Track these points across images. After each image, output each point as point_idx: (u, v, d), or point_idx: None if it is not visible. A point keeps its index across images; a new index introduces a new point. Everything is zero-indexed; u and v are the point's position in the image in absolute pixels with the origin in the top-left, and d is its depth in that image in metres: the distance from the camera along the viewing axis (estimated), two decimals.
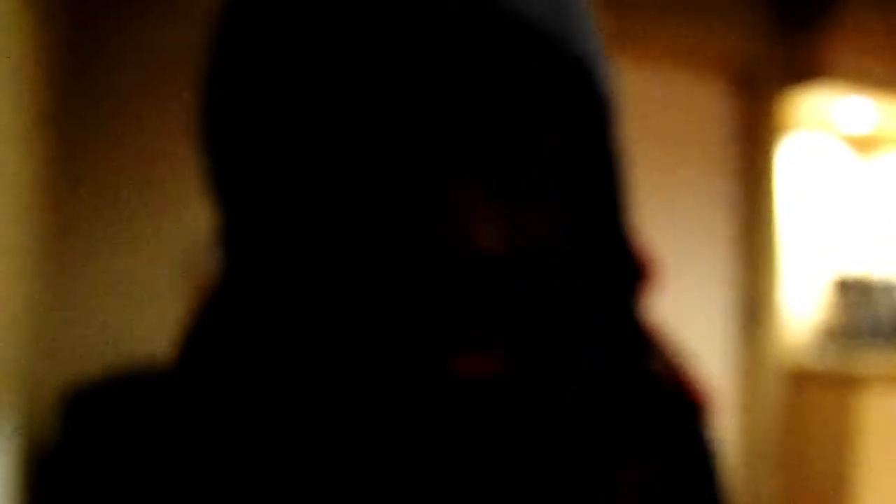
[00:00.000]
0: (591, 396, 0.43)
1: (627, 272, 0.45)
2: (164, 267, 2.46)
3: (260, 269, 0.41)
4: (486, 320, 0.37)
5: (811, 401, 3.40)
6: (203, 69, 0.44)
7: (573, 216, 0.41)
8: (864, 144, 4.10)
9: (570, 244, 0.41)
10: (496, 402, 0.38)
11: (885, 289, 3.76)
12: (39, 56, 2.05)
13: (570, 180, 0.41)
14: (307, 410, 0.39)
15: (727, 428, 3.35)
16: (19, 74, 1.86)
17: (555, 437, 0.42)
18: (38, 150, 2.13)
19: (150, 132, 2.45)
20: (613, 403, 0.44)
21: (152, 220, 2.45)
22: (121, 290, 2.40)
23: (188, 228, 2.48)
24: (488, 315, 0.37)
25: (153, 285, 2.45)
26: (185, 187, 2.46)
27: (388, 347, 0.37)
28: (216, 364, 0.44)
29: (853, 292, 3.67)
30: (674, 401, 0.48)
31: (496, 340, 0.37)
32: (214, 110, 0.43)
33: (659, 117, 3.27)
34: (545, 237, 0.39)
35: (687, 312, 3.10)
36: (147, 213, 2.44)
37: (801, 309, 3.75)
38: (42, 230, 2.24)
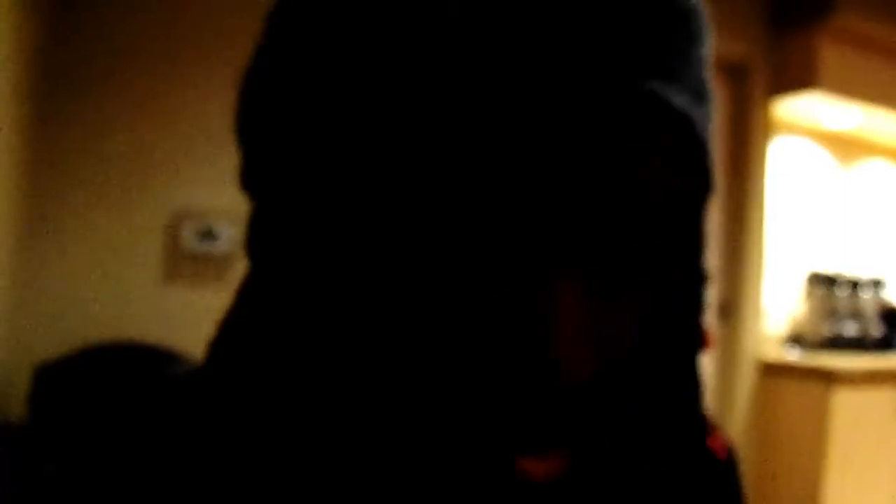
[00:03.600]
0: (658, 486, 0.43)
1: (695, 350, 0.43)
2: (140, 248, 2.45)
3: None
4: (555, 424, 0.36)
5: (784, 394, 3.44)
6: (251, 63, 0.42)
7: (661, 307, 0.39)
8: (848, 150, 4.14)
9: (652, 345, 0.39)
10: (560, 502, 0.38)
11: (861, 287, 3.81)
12: (17, 44, 2.02)
13: (662, 269, 0.39)
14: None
15: None
16: None
17: None
18: (14, 134, 2.10)
19: (129, 118, 2.43)
20: (677, 487, 0.44)
21: (129, 203, 2.43)
22: (95, 274, 2.38)
23: (165, 213, 2.47)
24: (558, 419, 0.36)
25: (130, 261, 2.43)
26: (163, 169, 2.45)
27: (457, 444, 0.36)
28: (245, 368, 0.41)
29: (829, 290, 3.72)
30: (727, 471, 0.50)
31: (562, 442, 0.37)
32: (264, 108, 0.40)
33: None
34: (630, 343, 0.38)
35: None
36: (124, 196, 2.42)
37: (777, 305, 3.79)
38: (16, 213, 2.22)
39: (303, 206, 0.38)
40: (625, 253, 0.36)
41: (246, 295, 0.43)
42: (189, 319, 2.33)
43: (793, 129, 3.88)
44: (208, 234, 2.46)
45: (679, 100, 0.35)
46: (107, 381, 1.96)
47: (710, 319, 3.57)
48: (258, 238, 0.41)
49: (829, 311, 3.72)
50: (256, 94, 0.41)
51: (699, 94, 0.38)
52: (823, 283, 3.73)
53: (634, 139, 0.34)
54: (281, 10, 0.40)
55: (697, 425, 0.45)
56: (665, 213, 0.37)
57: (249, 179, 0.42)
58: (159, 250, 2.46)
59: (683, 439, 0.44)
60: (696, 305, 0.42)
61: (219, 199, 2.40)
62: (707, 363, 3.52)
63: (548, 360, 0.34)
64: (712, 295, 3.59)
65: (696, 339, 0.43)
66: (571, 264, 0.34)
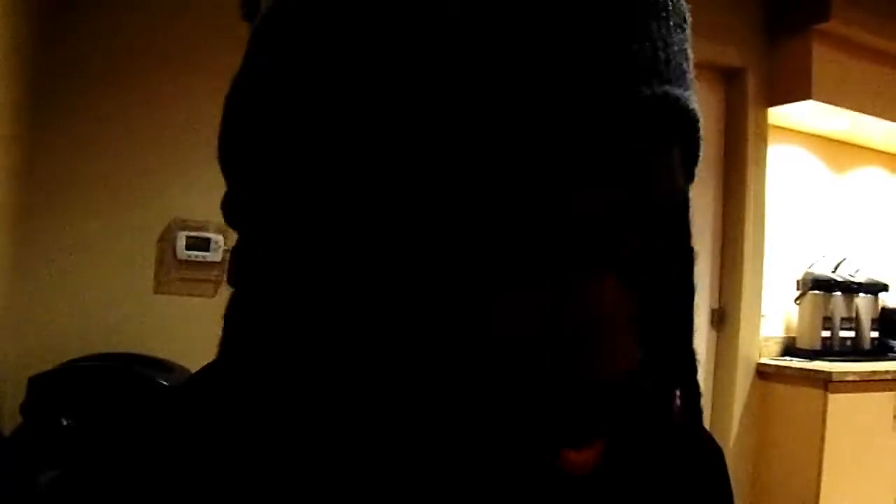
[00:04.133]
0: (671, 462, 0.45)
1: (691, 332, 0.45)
2: (133, 257, 2.44)
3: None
4: (597, 415, 0.36)
5: (781, 399, 3.44)
6: (232, 90, 0.40)
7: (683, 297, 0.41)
8: (841, 157, 4.15)
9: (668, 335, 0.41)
10: (595, 493, 0.38)
11: (856, 292, 3.82)
12: (9, 54, 2.02)
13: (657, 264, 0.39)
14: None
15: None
16: None
17: None
18: (6, 145, 2.10)
19: (122, 127, 2.43)
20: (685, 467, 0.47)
21: (122, 213, 2.42)
22: (88, 284, 2.38)
23: (158, 223, 2.46)
24: (600, 410, 0.36)
25: (123, 271, 2.42)
26: (156, 178, 2.45)
27: (495, 438, 0.35)
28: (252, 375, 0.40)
29: (825, 295, 3.73)
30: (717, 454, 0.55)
31: (601, 434, 0.37)
32: (258, 120, 0.38)
33: None
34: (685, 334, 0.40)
35: None
36: (117, 206, 2.42)
37: (774, 310, 3.80)
38: (11, 214, 2.21)
39: (285, 240, 0.37)
40: (658, 247, 0.37)
41: (235, 322, 0.42)
42: (182, 329, 2.32)
43: (787, 136, 3.89)
44: (201, 244, 2.45)
45: (688, 99, 0.36)
46: (99, 390, 1.96)
47: (705, 322, 3.58)
48: (242, 267, 0.41)
49: (824, 317, 3.73)
50: (238, 122, 0.40)
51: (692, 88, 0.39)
52: (819, 288, 3.74)
53: (656, 140, 0.34)
54: (262, 39, 0.39)
55: (698, 409, 0.46)
56: (677, 208, 0.39)
57: (232, 210, 0.41)
58: (152, 261, 2.46)
59: (692, 425, 0.45)
60: (689, 294, 0.44)
61: (212, 208, 2.38)
62: (704, 368, 3.53)
63: (596, 355, 0.33)
64: (708, 301, 3.59)
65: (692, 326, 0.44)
66: (615, 259, 0.34)
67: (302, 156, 0.35)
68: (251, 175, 0.39)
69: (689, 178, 0.41)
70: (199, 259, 2.45)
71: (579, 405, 0.34)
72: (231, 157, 0.40)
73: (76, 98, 2.37)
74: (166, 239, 2.46)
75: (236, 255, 0.41)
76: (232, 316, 0.42)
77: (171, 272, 2.47)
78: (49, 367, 2.05)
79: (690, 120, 0.36)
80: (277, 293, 0.38)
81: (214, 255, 2.46)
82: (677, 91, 0.35)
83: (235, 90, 0.40)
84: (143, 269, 2.45)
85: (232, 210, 0.41)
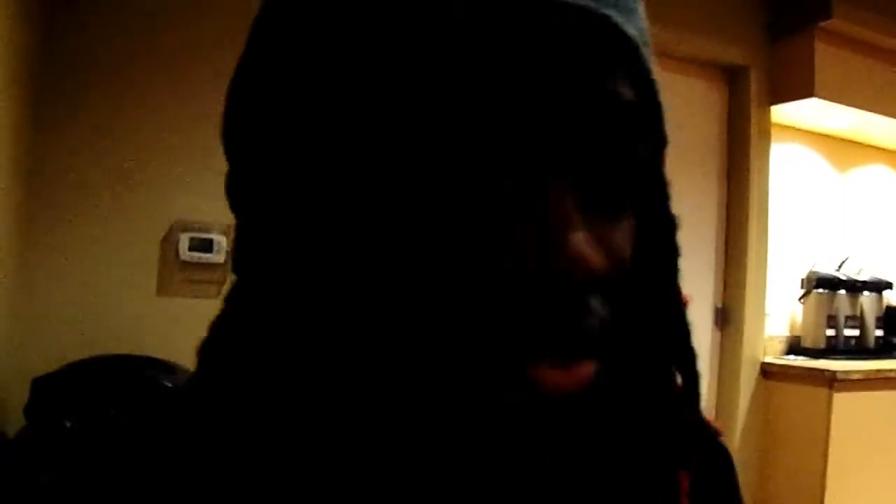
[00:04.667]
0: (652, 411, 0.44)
1: (678, 294, 0.45)
2: (135, 259, 2.44)
3: (296, 284, 0.38)
4: (573, 336, 0.35)
5: (785, 398, 3.44)
6: (235, 77, 0.42)
7: (645, 234, 0.41)
8: (845, 155, 4.15)
9: (645, 263, 0.41)
10: (576, 416, 0.37)
11: (861, 291, 3.82)
12: (10, 57, 2.02)
13: (642, 195, 0.41)
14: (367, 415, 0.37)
15: None
16: None
17: (623, 444, 0.42)
18: (8, 147, 2.10)
19: (124, 129, 2.43)
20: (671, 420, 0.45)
21: (124, 215, 2.42)
22: (91, 286, 2.38)
23: (161, 224, 2.46)
24: (575, 331, 0.35)
25: (126, 273, 2.43)
26: (159, 180, 2.45)
27: (465, 353, 0.35)
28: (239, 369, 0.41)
29: (829, 294, 3.73)
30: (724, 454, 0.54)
31: (582, 355, 0.36)
32: (245, 119, 0.41)
33: None
34: (624, 257, 0.39)
35: None
36: (120, 208, 2.42)
37: (778, 309, 3.80)
38: (14, 217, 2.21)
39: (284, 222, 0.38)
40: (614, 175, 0.37)
41: (233, 303, 0.44)
42: (186, 331, 2.32)
43: (790, 134, 3.89)
44: (204, 246, 2.45)
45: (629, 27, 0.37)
46: (102, 392, 1.96)
47: (709, 322, 3.57)
48: (243, 253, 0.42)
49: (829, 315, 3.72)
50: (240, 108, 0.41)
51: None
52: (823, 286, 3.73)
53: (594, 56, 0.35)
54: (264, 24, 0.40)
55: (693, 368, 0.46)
56: (636, 151, 0.39)
57: (234, 194, 0.43)
58: (155, 262, 2.46)
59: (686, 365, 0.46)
60: (674, 248, 0.44)
61: (215, 209, 2.39)
62: (708, 367, 3.53)
63: (557, 262, 0.34)
64: (712, 300, 3.59)
65: (677, 281, 0.45)
66: (569, 173, 0.35)
67: (295, 139, 0.37)
68: (250, 156, 0.41)
69: (650, 116, 0.40)
70: (203, 261, 2.45)
71: (545, 304, 0.34)
72: (232, 138, 0.42)
73: (78, 100, 2.37)
74: (169, 240, 2.46)
75: (236, 240, 0.43)
76: (229, 298, 0.44)
77: (174, 274, 2.47)
78: (52, 368, 2.05)
79: (614, 35, 0.36)
80: (273, 274, 0.39)
81: (217, 257, 2.46)
82: (602, 10, 0.35)
83: (238, 73, 0.42)
84: (146, 271, 2.45)
85: (233, 191, 0.43)
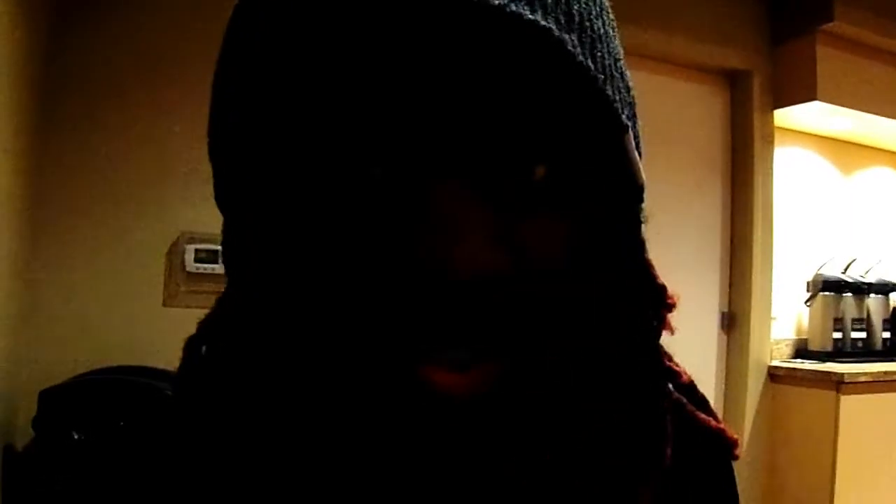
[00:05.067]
0: (599, 417, 0.41)
1: (645, 296, 0.43)
2: (142, 270, 2.45)
3: (255, 280, 0.40)
4: (471, 336, 0.35)
5: (792, 401, 3.44)
6: (214, 81, 0.44)
7: (585, 232, 0.39)
8: (849, 158, 4.15)
9: (579, 262, 0.39)
10: (472, 420, 0.36)
11: (867, 293, 3.81)
12: (15, 66, 2.03)
13: (584, 195, 0.39)
14: (286, 415, 0.38)
15: None
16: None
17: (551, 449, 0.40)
18: (14, 158, 2.11)
19: (130, 139, 2.44)
20: (627, 423, 0.42)
21: (131, 223, 2.43)
22: (98, 298, 2.38)
23: (167, 235, 2.47)
24: (474, 332, 0.35)
25: (132, 285, 2.43)
26: (165, 191, 2.45)
27: (368, 353, 0.35)
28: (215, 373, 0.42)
29: (836, 297, 3.72)
30: (712, 440, 0.50)
31: (483, 358, 0.36)
32: (222, 123, 0.42)
33: (649, 125, 3.28)
34: (548, 254, 0.38)
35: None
36: (126, 219, 2.42)
37: (785, 312, 3.79)
38: (21, 229, 2.22)
39: (251, 221, 0.40)
40: (535, 171, 0.37)
41: (222, 302, 0.45)
42: None
43: (794, 138, 3.89)
44: (210, 257, 2.46)
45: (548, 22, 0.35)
46: (110, 404, 1.97)
47: (716, 325, 3.57)
48: (227, 251, 0.44)
49: (835, 318, 3.72)
50: (220, 110, 0.43)
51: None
52: (830, 289, 3.73)
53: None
54: (239, 22, 0.41)
55: (652, 367, 0.44)
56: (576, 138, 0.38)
57: (219, 195, 0.44)
58: (162, 273, 2.47)
59: (634, 369, 0.43)
60: (636, 237, 0.42)
61: (221, 220, 2.40)
62: (715, 371, 3.52)
63: (438, 260, 0.34)
64: (718, 304, 3.58)
65: (643, 283, 0.43)
66: (461, 172, 0.35)
67: (253, 140, 0.38)
68: (226, 158, 0.42)
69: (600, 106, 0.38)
70: (208, 271, 2.46)
71: (431, 306, 0.34)
72: (212, 143, 0.44)
73: (83, 111, 2.38)
74: (175, 252, 2.47)
75: (223, 239, 0.44)
76: (221, 301, 0.46)
77: (181, 285, 2.47)
78: (60, 380, 2.06)
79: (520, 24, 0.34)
80: (244, 270, 0.41)
81: (223, 268, 2.46)
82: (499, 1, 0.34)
83: (215, 81, 0.44)
84: (153, 282, 2.46)
85: (217, 191, 0.44)
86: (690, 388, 0.48)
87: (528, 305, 0.37)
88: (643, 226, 0.42)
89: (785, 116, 3.68)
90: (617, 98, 0.39)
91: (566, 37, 0.35)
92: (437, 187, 0.35)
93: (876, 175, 4.29)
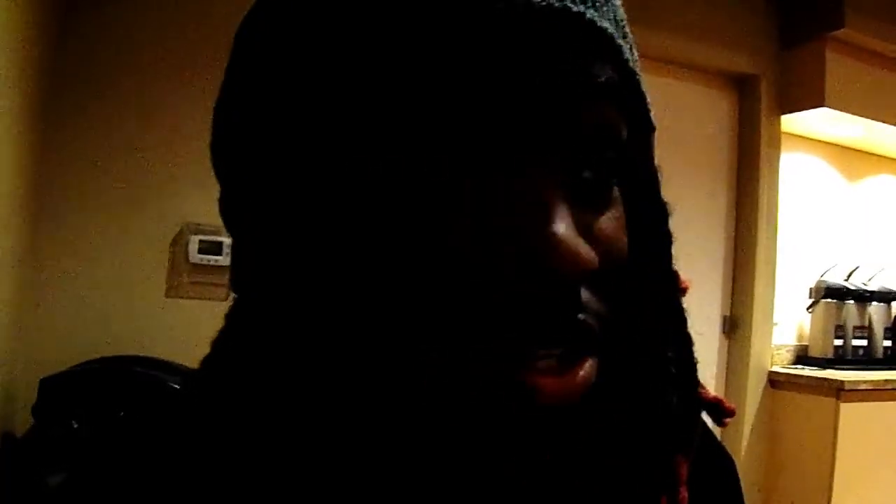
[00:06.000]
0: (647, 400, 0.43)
1: (673, 282, 0.45)
2: (145, 261, 2.45)
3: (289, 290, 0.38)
4: (572, 336, 0.34)
5: (792, 407, 3.44)
6: (218, 100, 0.43)
7: (630, 224, 0.40)
8: (855, 165, 4.14)
9: (633, 255, 0.39)
10: (576, 422, 0.35)
11: (869, 300, 3.81)
12: (19, 60, 2.03)
13: (627, 185, 0.40)
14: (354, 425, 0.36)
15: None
16: (4, 72, 1.83)
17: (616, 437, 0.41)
18: (19, 149, 2.11)
19: (134, 132, 2.44)
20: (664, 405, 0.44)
21: (134, 217, 2.43)
22: (100, 288, 2.39)
23: (170, 227, 2.47)
24: (574, 331, 0.34)
25: (135, 275, 2.44)
26: (168, 182, 2.46)
27: (457, 362, 0.33)
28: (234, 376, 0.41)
29: (837, 303, 3.72)
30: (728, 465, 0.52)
31: (579, 359, 0.35)
32: (230, 133, 0.42)
33: (658, 128, 3.28)
34: (616, 248, 0.37)
35: None
36: (129, 211, 2.43)
37: (786, 319, 3.79)
38: (24, 218, 2.22)
39: (271, 240, 0.38)
40: (597, 160, 0.37)
41: (232, 320, 0.44)
42: (194, 333, 2.33)
43: (800, 143, 3.88)
44: (214, 248, 2.46)
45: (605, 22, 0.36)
46: (110, 393, 1.97)
47: (717, 330, 3.57)
48: (239, 271, 0.42)
49: (837, 325, 3.71)
50: (225, 129, 0.43)
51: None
52: (832, 296, 3.72)
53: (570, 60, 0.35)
54: (239, 50, 0.41)
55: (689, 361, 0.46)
56: (620, 142, 0.38)
57: (227, 214, 0.43)
58: (164, 264, 2.47)
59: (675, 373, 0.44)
60: (666, 240, 0.44)
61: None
62: (716, 376, 3.52)
63: (544, 259, 0.32)
64: (720, 308, 3.58)
65: (671, 268, 0.45)
66: (551, 162, 0.35)
67: (275, 154, 0.37)
68: (237, 177, 0.42)
69: (637, 109, 0.40)
70: (212, 263, 2.46)
71: (535, 306, 0.33)
72: (220, 160, 0.44)
73: (88, 102, 2.39)
74: (179, 243, 2.47)
75: (232, 258, 0.43)
76: (230, 316, 0.44)
77: (184, 276, 2.48)
78: (61, 369, 2.06)
79: (588, 29, 0.35)
80: (268, 290, 0.39)
81: (227, 260, 2.47)
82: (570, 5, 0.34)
83: (221, 95, 0.43)
84: (156, 273, 2.46)
85: (226, 212, 0.43)
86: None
87: (609, 301, 0.37)
88: (670, 218, 0.44)
89: (792, 122, 3.67)
90: (648, 98, 0.40)
91: (621, 43, 0.36)
92: (518, 178, 0.34)
93: (881, 183, 4.28)
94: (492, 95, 0.33)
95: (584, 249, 0.33)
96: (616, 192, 0.39)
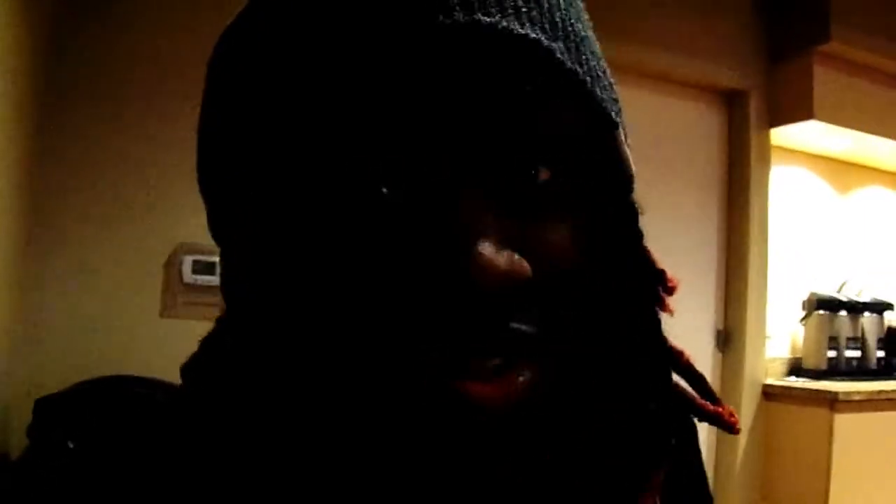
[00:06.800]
0: (616, 408, 0.43)
1: (648, 283, 0.45)
2: (139, 281, 2.45)
3: (262, 298, 0.39)
4: (503, 344, 0.36)
5: (787, 419, 3.43)
6: (203, 101, 0.46)
7: (586, 228, 0.40)
8: (845, 177, 4.16)
9: (588, 261, 0.40)
10: (506, 430, 0.36)
11: (862, 312, 3.82)
12: (15, 76, 2.03)
13: (582, 193, 0.41)
14: (308, 426, 0.38)
15: (704, 444, 3.37)
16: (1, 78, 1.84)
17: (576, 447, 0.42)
18: (14, 166, 2.11)
19: (129, 150, 2.44)
20: (639, 411, 0.44)
21: (129, 233, 2.43)
22: (95, 308, 2.38)
23: (165, 247, 2.47)
24: (505, 339, 0.36)
25: (129, 295, 2.43)
26: (162, 202, 2.46)
27: (394, 367, 0.35)
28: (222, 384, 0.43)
29: (830, 315, 3.73)
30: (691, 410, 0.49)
31: (513, 366, 0.36)
32: (213, 146, 0.44)
33: (647, 143, 3.29)
34: (559, 255, 0.38)
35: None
36: (124, 230, 2.43)
37: (779, 330, 3.79)
38: (18, 238, 2.22)
39: (253, 252, 0.40)
40: (530, 173, 0.38)
41: (220, 325, 0.46)
42: (189, 352, 2.32)
43: (790, 157, 3.90)
44: (208, 269, 2.46)
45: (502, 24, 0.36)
46: (105, 413, 1.96)
47: (710, 343, 3.57)
48: (227, 282, 0.44)
49: (830, 336, 3.72)
50: (206, 148, 0.45)
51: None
52: (824, 308, 3.73)
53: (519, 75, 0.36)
54: (219, 64, 0.44)
55: (661, 354, 0.46)
56: (576, 148, 0.39)
57: (213, 229, 0.46)
58: (159, 284, 2.47)
59: (645, 369, 0.45)
60: (636, 240, 0.44)
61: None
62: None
63: (467, 274, 0.33)
64: (713, 322, 3.59)
65: (644, 272, 0.45)
66: (480, 179, 0.36)
67: (245, 168, 0.39)
68: (222, 189, 0.44)
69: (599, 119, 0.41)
70: (206, 283, 2.46)
71: (460, 315, 0.34)
72: (207, 177, 0.46)
73: (81, 122, 2.39)
74: (173, 263, 2.47)
75: (221, 268, 0.45)
76: (220, 320, 0.47)
77: (178, 296, 2.47)
78: (56, 389, 2.05)
79: (511, 44, 0.36)
80: (248, 299, 0.41)
81: (221, 293, 2.47)
82: (490, 19, 0.35)
83: (201, 118, 0.46)
84: (150, 293, 2.46)
85: (214, 223, 0.46)
86: (689, 369, 0.49)
87: (551, 307, 0.38)
88: (640, 216, 0.44)
89: (781, 135, 3.69)
90: (605, 97, 0.41)
91: (554, 45, 0.37)
92: (451, 198, 0.35)
93: (872, 194, 4.30)
94: (428, 109, 0.35)
95: (507, 262, 0.35)
96: (575, 194, 0.40)
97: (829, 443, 3.19)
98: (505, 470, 0.37)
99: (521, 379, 0.36)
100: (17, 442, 2.07)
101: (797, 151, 3.94)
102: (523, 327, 0.36)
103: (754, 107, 3.58)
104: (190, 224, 2.44)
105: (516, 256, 0.35)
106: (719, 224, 3.63)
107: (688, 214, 3.51)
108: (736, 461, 3.42)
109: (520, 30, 0.35)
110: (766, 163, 3.62)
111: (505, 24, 0.35)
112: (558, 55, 0.37)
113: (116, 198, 2.42)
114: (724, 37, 3.49)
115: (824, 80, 3.47)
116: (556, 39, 0.38)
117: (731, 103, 3.66)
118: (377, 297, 0.35)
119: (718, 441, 3.48)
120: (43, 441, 1.94)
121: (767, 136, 3.63)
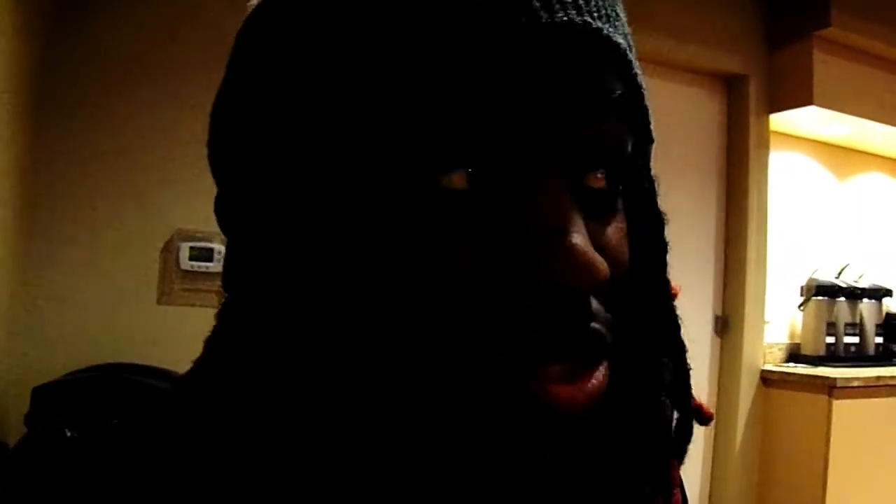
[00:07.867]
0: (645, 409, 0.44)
1: (668, 285, 0.46)
2: (136, 268, 2.44)
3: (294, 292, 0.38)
4: (580, 347, 0.35)
5: (785, 405, 3.44)
6: (217, 99, 0.43)
7: (633, 231, 0.41)
8: (844, 163, 4.16)
9: (634, 263, 0.40)
10: (589, 427, 0.35)
11: (860, 298, 3.82)
12: (11, 68, 2.02)
13: (625, 201, 0.41)
14: (360, 434, 0.36)
15: (704, 431, 3.39)
16: None
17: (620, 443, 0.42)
18: (10, 155, 2.10)
19: (125, 138, 2.43)
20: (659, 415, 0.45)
21: (126, 220, 2.43)
22: (94, 287, 2.38)
23: (161, 234, 2.46)
24: (582, 342, 0.35)
25: (126, 282, 2.43)
26: (159, 189, 2.45)
27: (467, 370, 0.33)
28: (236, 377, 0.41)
29: (829, 301, 3.73)
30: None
31: (593, 367, 0.35)
32: (232, 135, 0.42)
33: None
34: (622, 257, 0.38)
35: None
36: (120, 217, 2.42)
37: (778, 317, 3.80)
38: (15, 226, 2.21)
39: (273, 240, 0.38)
40: (607, 173, 0.38)
41: (226, 320, 0.44)
42: (186, 339, 2.32)
43: (789, 142, 3.90)
44: (205, 255, 2.46)
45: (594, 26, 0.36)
46: (103, 401, 1.96)
47: (709, 329, 3.57)
48: (234, 271, 0.42)
49: (828, 322, 3.73)
50: (225, 130, 0.42)
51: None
52: (823, 294, 3.74)
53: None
54: (243, 46, 0.42)
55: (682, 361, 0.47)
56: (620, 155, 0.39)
57: (224, 214, 0.43)
58: (156, 271, 2.46)
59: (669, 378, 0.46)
60: (663, 249, 0.45)
61: (216, 219, 2.39)
62: (708, 375, 3.53)
63: (563, 271, 0.32)
64: (711, 308, 3.59)
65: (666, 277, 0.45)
66: (566, 174, 0.35)
67: (280, 157, 0.37)
68: (238, 177, 0.41)
69: (639, 123, 0.41)
70: (203, 270, 2.46)
71: (548, 315, 0.33)
72: (219, 160, 0.44)
73: (78, 109, 2.38)
74: (170, 250, 2.46)
75: (227, 258, 0.43)
76: (223, 315, 0.44)
77: (175, 283, 2.47)
78: (53, 377, 2.05)
79: (603, 43, 0.36)
80: (266, 289, 0.39)
81: (218, 266, 2.46)
82: (582, 18, 0.35)
83: (221, 95, 0.43)
84: (147, 280, 2.45)
85: (223, 212, 0.43)
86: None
87: (615, 308, 0.37)
88: (666, 227, 0.45)
89: (781, 121, 3.68)
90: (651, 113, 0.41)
91: (630, 55, 0.38)
92: (535, 188, 0.34)
93: (871, 180, 4.30)
94: (512, 107, 0.34)
95: (598, 261, 0.33)
96: (620, 202, 0.40)
97: (828, 429, 3.19)
98: (587, 473, 0.36)
99: (596, 380, 0.35)
100: (15, 430, 2.06)
101: (796, 137, 3.93)
102: (600, 328, 0.36)
103: (753, 92, 3.57)
104: (186, 211, 2.43)
105: (599, 256, 0.34)
106: (718, 209, 3.63)
107: (686, 200, 3.50)
108: (734, 447, 3.43)
109: (616, 38, 0.36)
110: (765, 148, 3.61)
111: (607, 30, 0.36)
112: (636, 69, 0.38)
113: (112, 185, 2.41)
114: (723, 21, 3.48)
115: (824, 65, 3.46)
116: (629, 48, 0.38)
117: (731, 88, 3.65)
118: (445, 293, 0.33)
119: (717, 427, 3.48)
120: (40, 429, 1.93)
121: (767, 122, 3.62)
